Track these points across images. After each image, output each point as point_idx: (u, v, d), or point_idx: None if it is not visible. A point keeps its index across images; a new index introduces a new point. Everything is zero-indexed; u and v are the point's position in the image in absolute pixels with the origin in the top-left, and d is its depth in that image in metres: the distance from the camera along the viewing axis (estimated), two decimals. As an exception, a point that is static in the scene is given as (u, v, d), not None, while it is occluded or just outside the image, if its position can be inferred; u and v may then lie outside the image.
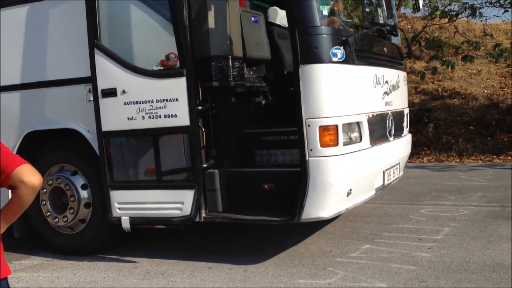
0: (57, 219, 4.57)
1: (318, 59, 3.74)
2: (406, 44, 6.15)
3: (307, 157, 3.78)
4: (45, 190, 4.64)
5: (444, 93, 12.43)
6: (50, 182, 4.62)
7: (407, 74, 13.04)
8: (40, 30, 4.51)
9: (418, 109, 11.69)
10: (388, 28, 4.87)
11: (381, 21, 5.06)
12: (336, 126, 3.81)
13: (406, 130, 5.40)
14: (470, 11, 9.79)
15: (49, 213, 4.63)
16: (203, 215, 4.15)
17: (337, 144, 3.82)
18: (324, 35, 3.78)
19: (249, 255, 4.25)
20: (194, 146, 3.97)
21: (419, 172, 7.97)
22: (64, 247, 4.65)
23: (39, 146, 4.72)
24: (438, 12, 9.91)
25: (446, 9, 9.94)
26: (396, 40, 5.28)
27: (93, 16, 4.11)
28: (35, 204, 4.66)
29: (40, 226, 4.72)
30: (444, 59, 10.30)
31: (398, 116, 5.01)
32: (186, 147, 4.02)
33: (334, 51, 3.80)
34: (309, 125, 3.76)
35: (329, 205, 3.91)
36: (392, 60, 4.90)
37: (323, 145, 3.77)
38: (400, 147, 5.07)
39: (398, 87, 5.04)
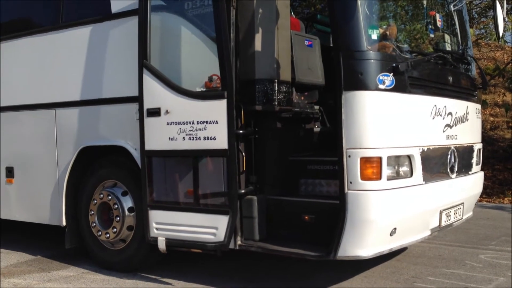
0: (100, 233, 4.65)
1: (362, 86, 3.50)
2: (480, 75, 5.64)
3: (346, 190, 3.53)
4: (95, 202, 4.74)
5: (541, 129, 11.39)
6: (101, 195, 4.70)
7: (500, 107, 12.18)
8: (98, 49, 4.68)
9: (508, 145, 10.78)
10: (455, 56, 4.49)
11: (451, 49, 4.68)
12: (380, 158, 3.51)
13: (476, 167, 4.90)
14: None
15: (94, 224, 4.72)
16: (239, 242, 4.01)
17: (379, 178, 3.52)
18: (371, 61, 3.53)
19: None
20: (231, 171, 3.86)
21: (495, 214, 7.27)
22: (104, 261, 4.72)
23: (97, 159, 4.84)
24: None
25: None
26: (470, 69, 4.86)
27: (144, 36, 4.17)
28: (85, 213, 4.80)
29: (86, 235, 4.82)
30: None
31: (464, 151, 4.57)
32: (224, 171, 3.91)
33: (381, 77, 3.54)
34: (349, 156, 3.51)
35: (369, 243, 3.60)
36: (460, 91, 4.49)
37: (364, 178, 3.50)
38: (465, 186, 4.60)
39: (467, 120, 4.60)
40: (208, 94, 3.94)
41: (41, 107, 5.09)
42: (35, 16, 5.38)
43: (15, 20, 5.43)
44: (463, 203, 4.54)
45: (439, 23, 4.54)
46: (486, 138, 10.84)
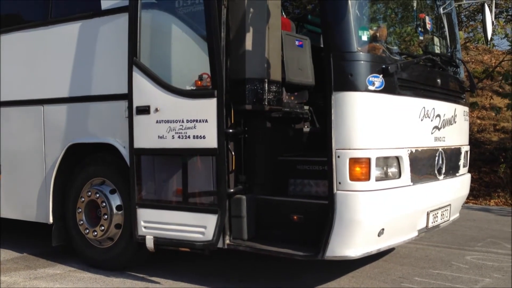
0: (87, 230, 4.62)
1: (352, 87, 3.52)
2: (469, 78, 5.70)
3: (334, 190, 3.54)
4: (83, 199, 4.71)
5: (527, 132, 11.50)
6: (89, 193, 4.67)
7: (487, 110, 12.29)
8: (87, 45, 4.64)
9: (495, 148, 10.89)
10: (444, 58, 4.52)
11: (440, 51, 4.72)
12: (369, 159, 3.54)
13: (463, 169, 4.94)
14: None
15: (82, 222, 4.69)
16: (227, 241, 4.00)
17: (368, 179, 3.54)
18: (361, 62, 3.55)
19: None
20: (220, 170, 3.85)
21: (481, 215, 7.37)
22: (91, 259, 4.69)
23: (85, 156, 4.80)
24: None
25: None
26: (458, 72, 4.90)
27: (134, 33, 4.15)
28: (73, 210, 4.77)
29: (74, 233, 4.78)
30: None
31: (452, 153, 4.61)
32: (213, 170, 3.91)
33: (371, 79, 3.56)
34: (338, 156, 3.53)
35: (357, 244, 3.62)
36: (448, 93, 4.53)
37: (352, 178, 3.52)
38: (453, 187, 4.65)
39: (455, 122, 4.64)
40: (198, 92, 3.93)
41: (28, 103, 5.05)
42: (24, 11, 5.32)
43: (2, 15, 5.37)
44: (450, 204, 4.58)
45: (428, 26, 4.57)
46: (473, 141, 10.94)
